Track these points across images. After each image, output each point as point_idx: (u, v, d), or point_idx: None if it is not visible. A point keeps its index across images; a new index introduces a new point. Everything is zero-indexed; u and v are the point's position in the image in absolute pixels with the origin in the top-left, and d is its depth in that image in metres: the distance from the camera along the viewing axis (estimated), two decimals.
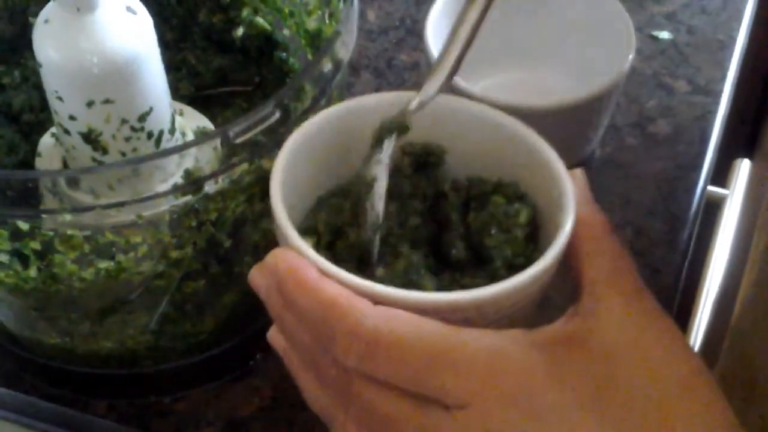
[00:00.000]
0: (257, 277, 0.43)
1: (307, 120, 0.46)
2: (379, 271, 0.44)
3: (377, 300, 0.40)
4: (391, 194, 0.45)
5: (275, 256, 0.42)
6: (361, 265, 0.44)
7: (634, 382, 0.40)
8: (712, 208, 0.88)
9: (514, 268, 0.43)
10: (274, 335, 0.46)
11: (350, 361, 0.40)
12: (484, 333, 0.40)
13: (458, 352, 0.39)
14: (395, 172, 0.46)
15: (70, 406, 0.61)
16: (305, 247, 0.42)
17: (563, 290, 0.44)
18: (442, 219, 0.45)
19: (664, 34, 0.81)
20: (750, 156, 1.00)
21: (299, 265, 0.41)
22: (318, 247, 0.44)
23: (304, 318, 0.41)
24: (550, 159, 0.45)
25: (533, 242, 0.45)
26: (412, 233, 0.45)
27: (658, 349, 0.41)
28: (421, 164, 0.47)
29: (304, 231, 0.45)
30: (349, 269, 0.42)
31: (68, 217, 0.48)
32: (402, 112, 0.46)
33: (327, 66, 0.51)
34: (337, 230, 0.45)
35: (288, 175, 0.44)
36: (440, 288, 0.43)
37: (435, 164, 0.48)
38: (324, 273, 0.41)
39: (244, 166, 0.49)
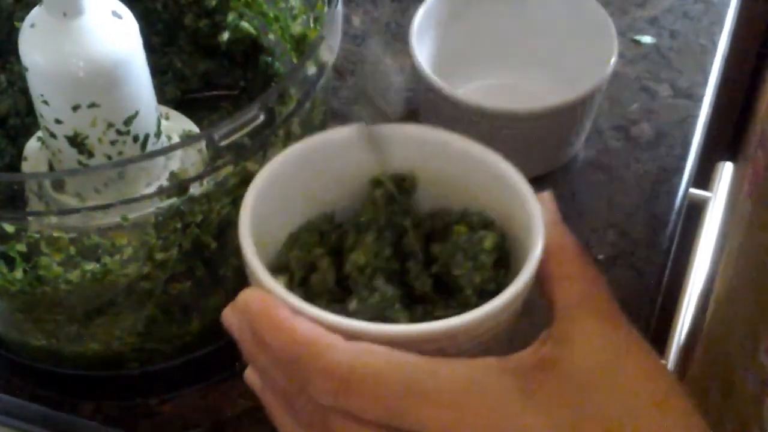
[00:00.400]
0: (229, 316, 0.43)
1: (273, 158, 0.46)
2: (353, 305, 0.43)
3: (350, 335, 0.40)
4: (367, 226, 0.45)
5: (246, 296, 0.42)
6: (336, 299, 0.44)
7: (609, 404, 0.40)
8: (695, 211, 0.89)
9: (485, 295, 0.43)
10: (250, 375, 0.45)
11: (325, 399, 0.40)
12: (457, 363, 0.40)
13: (432, 383, 0.39)
14: (369, 204, 0.46)
15: (57, 407, 0.61)
16: (276, 285, 0.42)
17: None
18: (407, 253, 0.46)
19: (647, 39, 0.82)
20: (733, 159, 1.01)
21: (270, 304, 0.41)
22: (291, 284, 0.45)
23: (278, 357, 0.41)
24: (518, 185, 0.45)
25: (505, 268, 0.45)
26: (387, 265, 0.45)
27: (632, 370, 0.41)
28: (393, 195, 0.47)
29: (277, 269, 0.45)
30: (323, 304, 0.42)
31: (54, 219, 0.49)
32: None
33: (311, 69, 0.51)
34: (309, 265, 0.45)
35: (257, 214, 0.44)
36: (414, 321, 0.43)
37: (408, 194, 0.48)
38: (296, 311, 0.40)
39: (229, 168, 0.50)
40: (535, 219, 0.43)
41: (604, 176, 0.73)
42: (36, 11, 0.53)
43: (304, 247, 0.46)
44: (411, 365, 0.39)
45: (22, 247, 0.50)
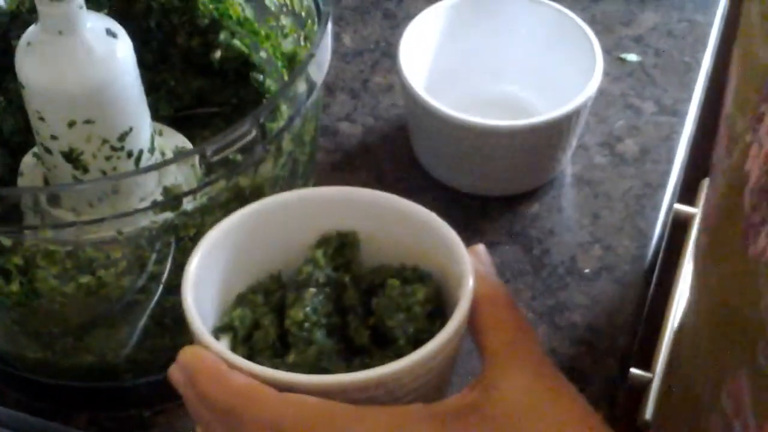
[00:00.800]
0: (175, 373, 0.45)
1: (220, 222, 0.48)
2: (291, 358, 0.45)
3: (284, 387, 0.42)
4: (306, 283, 0.47)
5: (186, 353, 0.44)
6: (279, 354, 0.46)
7: None
8: (681, 226, 0.90)
9: (421, 345, 0.44)
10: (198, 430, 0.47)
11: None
12: (383, 410, 0.42)
13: (358, 430, 0.41)
14: (309, 262, 0.48)
15: (52, 419, 0.62)
16: (213, 342, 0.44)
17: None
18: (348, 307, 0.48)
19: (632, 57, 0.83)
20: None
21: (208, 359, 0.43)
22: (235, 342, 0.47)
23: (215, 409, 0.43)
24: (451, 240, 0.47)
25: (441, 320, 0.46)
26: (327, 320, 0.47)
27: (557, 416, 0.42)
28: (335, 252, 0.49)
29: (221, 329, 0.47)
30: (265, 359, 0.45)
31: (50, 233, 0.50)
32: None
33: (302, 86, 0.52)
34: (254, 323, 0.47)
35: (204, 273, 0.46)
36: (351, 372, 0.44)
37: (350, 251, 0.50)
38: (232, 365, 0.43)
39: (222, 183, 0.51)
40: (466, 272, 0.45)
41: (590, 191, 0.74)
42: (32, 29, 0.54)
43: (248, 305, 0.48)
44: (339, 413, 0.41)
45: (18, 260, 0.51)
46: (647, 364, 0.83)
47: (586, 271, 0.70)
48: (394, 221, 0.49)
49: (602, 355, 0.66)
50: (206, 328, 0.45)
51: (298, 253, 0.49)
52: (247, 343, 0.47)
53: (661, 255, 0.74)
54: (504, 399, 0.42)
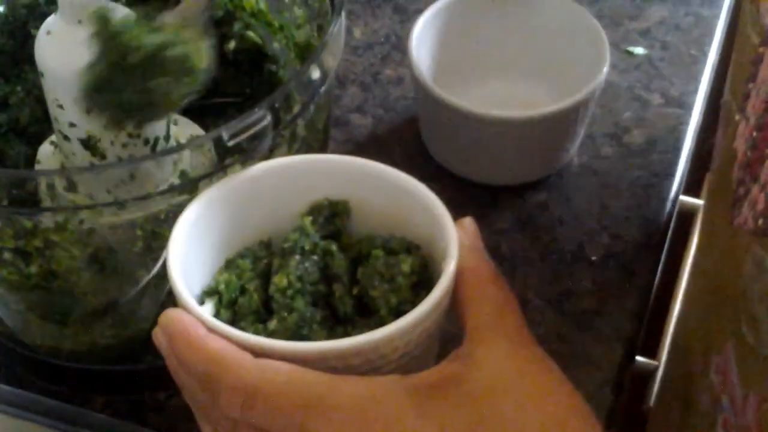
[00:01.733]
0: (158, 336, 0.45)
1: (209, 186, 0.49)
2: (272, 324, 0.45)
3: (260, 352, 0.42)
4: (291, 250, 0.47)
5: (166, 316, 0.44)
6: (262, 320, 0.46)
7: (507, 422, 0.41)
8: (688, 217, 0.91)
9: (402, 316, 0.44)
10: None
11: (233, 412, 0.42)
12: (358, 380, 0.41)
13: (331, 399, 0.41)
14: (297, 229, 0.48)
15: (68, 401, 0.63)
16: (193, 305, 0.44)
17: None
18: (334, 276, 0.48)
19: (639, 50, 0.84)
20: None
21: (187, 323, 0.43)
22: (219, 307, 0.47)
23: (193, 373, 0.43)
24: (438, 212, 0.47)
25: (427, 292, 0.46)
26: (312, 288, 0.47)
27: (534, 389, 0.42)
28: (325, 221, 0.49)
29: (208, 293, 0.48)
30: (248, 325, 0.45)
31: (68, 214, 0.51)
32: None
33: (315, 74, 0.53)
34: (240, 288, 0.48)
35: (192, 238, 0.47)
36: (332, 340, 0.44)
37: (340, 220, 0.50)
38: (211, 329, 0.43)
39: (237, 167, 0.52)
40: (451, 244, 0.45)
41: (598, 181, 0.75)
42: (52, 19, 0.56)
43: (235, 270, 0.48)
44: (313, 382, 0.41)
45: (38, 242, 0.52)
46: (653, 353, 0.84)
47: (594, 258, 0.71)
48: (385, 191, 0.49)
49: (609, 342, 0.67)
50: (189, 292, 0.45)
51: (288, 220, 0.49)
52: (231, 308, 0.47)
53: (667, 244, 0.75)
54: (482, 371, 0.42)
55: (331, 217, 0.50)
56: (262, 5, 0.67)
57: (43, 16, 0.57)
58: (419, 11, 0.77)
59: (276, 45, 0.68)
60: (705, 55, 0.84)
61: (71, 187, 0.57)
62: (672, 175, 0.76)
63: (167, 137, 0.60)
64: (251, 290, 0.47)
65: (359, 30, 0.87)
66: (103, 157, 0.58)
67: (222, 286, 0.47)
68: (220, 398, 0.42)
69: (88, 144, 0.57)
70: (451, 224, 0.47)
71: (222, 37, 0.68)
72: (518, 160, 0.74)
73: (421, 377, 0.42)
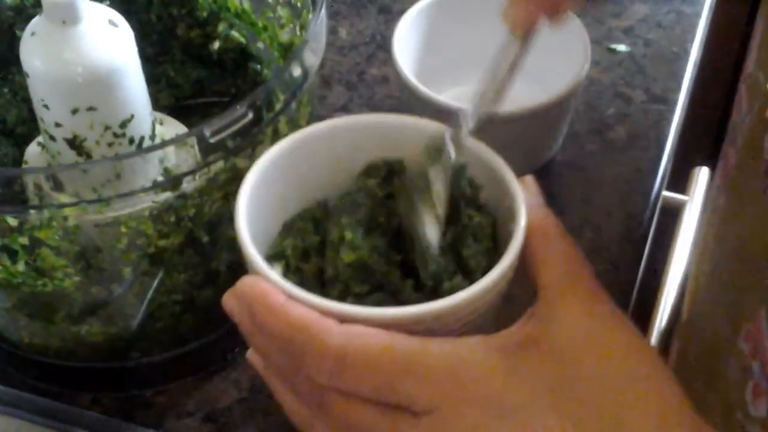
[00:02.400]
0: (230, 301, 0.45)
1: (268, 150, 0.49)
2: (336, 290, 0.45)
3: (343, 319, 0.42)
4: (356, 209, 0.47)
5: (243, 283, 0.44)
6: (325, 288, 0.46)
7: (590, 378, 0.42)
8: (672, 214, 0.91)
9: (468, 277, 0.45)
10: (252, 355, 0.48)
11: (321, 379, 0.42)
12: (445, 341, 0.42)
13: (421, 361, 0.41)
14: (361, 189, 0.48)
15: (56, 399, 0.64)
16: (271, 272, 0.44)
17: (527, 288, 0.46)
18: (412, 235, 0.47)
19: (622, 47, 0.85)
20: (712, 165, 1.04)
21: (266, 290, 0.43)
22: (287, 272, 0.47)
23: (275, 340, 0.43)
24: (502, 171, 0.47)
25: (495, 252, 0.47)
26: (386, 254, 0.46)
27: (613, 345, 0.42)
28: (382, 181, 0.49)
29: (273, 257, 0.47)
30: (317, 289, 0.45)
31: (54, 212, 0.51)
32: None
33: (296, 71, 0.54)
34: (303, 252, 0.48)
35: (253, 204, 0.47)
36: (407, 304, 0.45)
37: (397, 179, 0.49)
38: (291, 297, 0.43)
39: (220, 164, 0.53)
40: (519, 204, 0.45)
41: (581, 177, 0.76)
42: (37, 20, 0.56)
43: (298, 235, 0.48)
44: (401, 345, 0.41)
45: (24, 239, 0.53)
46: None
47: None
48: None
49: None
50: (261, 258, 0.45)
51: (344, 180, 0.49)
52: (298, 273, 0.47)
53: (650, 239, 0.75)
54: (561, 331, 0.42)
55: (388, 176, 0.49)
56: (246, 5, 0.68)
57: (30, 18, 0.57)
58: (404, 11, 0.77)
59: (260, 45, 0.68)
60: (687, 52, 0.85)
61: (58, 186, 0.58)
62: (655, 170, 0.77)
63: (152, 136, 0.61)
64: (315, 255, 0.47)
65: (345, 30, 0.88)
66: (88, 156, 0.58)
67: (289, 251, 0.47)
68: (306, 365, 0.42)
69: (74, 144, 0.58)
70: (516, 183, 0.47)
71: (206, 38, 0.69)
72: (502, 157, 0.74)
73: (503, 337, 0.43)
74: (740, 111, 0.58)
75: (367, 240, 0.46)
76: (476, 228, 0.47)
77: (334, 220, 0.47)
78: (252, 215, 0.46)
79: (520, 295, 0.46)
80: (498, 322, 0.45)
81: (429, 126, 0.49)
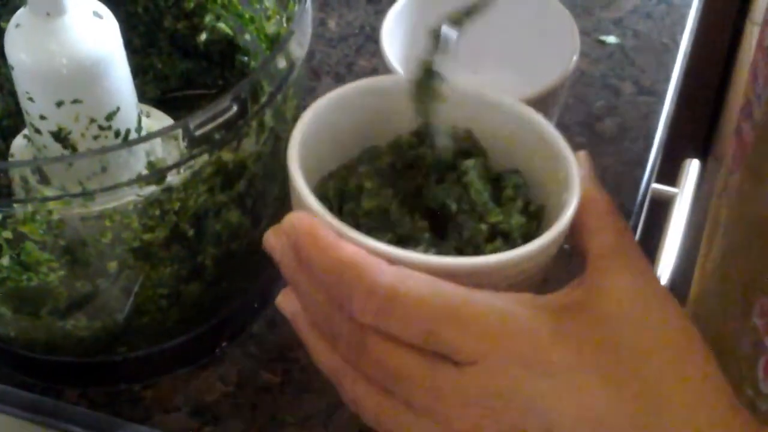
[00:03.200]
0: (272, 238, 0.45)
1: (320, 97, 0.49)
2: (389, 236, 0.46)
3: (393, 262, 0.42)
4: (387, 168, 0.48)
5: (292, 218, 0.44)
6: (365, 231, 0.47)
7: (635, 346, 0.42)
8: (663, 206, 0.91)
9: (511, 243, 0.45)
10: (282, 300, 0.47)
11: (366, 318, 0.42)
12: (495, 295, 0.42)
13: (470, 311, 0.41)
14: (391, 147, 0.49)
15: (44, 394, 0.63)
16: (322, 209, 0.44)
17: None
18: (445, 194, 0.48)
19: (611, 39, 0.85)
20: (703, 158, 1.04)
21: (316, 226, 0.43)
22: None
23: (320, 277, 0.43)
24: (559, 144, 0.48)
25: (538, 221, 0.48)
26: (411, 206, 0.47)
27: (659, 318, 0.43)
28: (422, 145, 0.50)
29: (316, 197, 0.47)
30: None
31: (38, 206, 0.51)
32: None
33: (282, 63, 0.54)
34: (343, 197, 0.48)
35: (303, 147, 0.47)
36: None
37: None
38: (340, 235, 0.43)
39: (204, 157, 0.52)
40: (573, 176, 0.47)
41: None
42: (21, 12, 0.56)
43: (340, 180, 0.48)
44: (451, 293, 0.41)
45: (8, 234, 0.52)
46: None
47: (566, 247, 0.71)
48: (500, 120, 0.50)
49: None
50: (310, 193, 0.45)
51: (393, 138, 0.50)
52: (338, 217, 0.47)
53: (639, 232, 0.75)
54: (608, 300, 0.43)
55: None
56: None
57: (15, 10, 0.57)
58: (393, 2, 0.77)
59: (247, 37, 0.68)
60: (677, 43, 0.85)
61: (43, 179, 0.58)
62: (644, 163, 0.77)
63: (139, 129, 0.60)
64: (359, 197, 0.47)
65: (334, 22, 0.87)
66: (74, 149, 0.58)
67: (331, 193, 0.48)
68: (352, 303, 0.42)
69: (59, 136, 0.57)
70: (572, 155, 0.48)
71: (193, 29, 0.69)
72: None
73: (550, 299, 0.43)
74: (757, 85, 0.57)
75: (387, 190, 0.47)
76: (517, 188, 0.48)
77: (354, 170, 0.48)
78: (303, 155, 0.46)
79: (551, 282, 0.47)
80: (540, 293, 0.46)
81: (493, 96, 0.50)
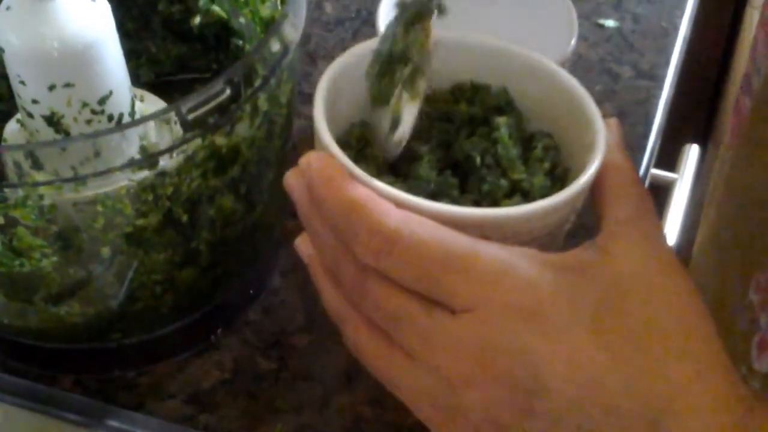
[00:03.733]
0: (290, 178, 0.45)
1: (349, 49, 0.49)
2: (404, 185, 0.46)
3: (401, 206, 0.42)
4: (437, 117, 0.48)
5: (308, 156, 0.44)
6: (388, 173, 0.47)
7: (638, 314, 0.42)
8: (662, 191, 0.91)
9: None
10: (300, 243, 0.48)
11: (369, 258, 0.42)
12: (499, 247, 0.42)
13: (472, 259, 0.41)
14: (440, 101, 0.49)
15: (38, 381, 0.63)
16: (336, 149, 0.44)
17: None
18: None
19: (610, 22, 0.84)
20: (703, 144, 1.03)
21: (330, 165, 0.44)
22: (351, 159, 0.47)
23: (330, 216, 0.43)
24: (588, 106, 0.48)
25: (561, 182, 0.48)
26: (443, 153, 0.48)
27: (667, 289, 0.43)
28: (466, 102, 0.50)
29: (339, 144, 0.47)
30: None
31: (29, 190, 0.51)
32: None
33: (276, 46, 0.53)
34: (364, 143, 0.48)
35: (329, 94, 0.47)
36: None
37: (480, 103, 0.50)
38: (353, 176, 0.43)
39: (197, 141, 0.52)
40: (599, 138, 0.46)
41: None
42: None
43: (361, 129, 0.49)
44: (455, 240, 0.42)
45: (0, 219, 0.52)
46: None
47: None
48: (531, 79, 0.50)
49: None
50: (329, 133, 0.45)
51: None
52: (362, 163, 0.47)
53: None
54: (617, 263, 0.43)
55: (472, 100, 0.50)
56: None
57: None
58: None
59: (242, 20, 0.67)
60: (676, 27, 0.84)
61: (36, 164, 0.57)
62: (643, 148, 0.76)
63: (132, 113, 0.60)
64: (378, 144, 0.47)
65: (330, 5, 0.87)
66: (67, 134, 0.57)
67: (353, 140, 0.48)
68: (356, 242, 0.42)
69: (52, 120, 0.57)
70: (600, 118, 0.47)
71: (187, 12, 0.68)
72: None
73: (558, 257, 0.43)
74: (756, 58, 0.57)
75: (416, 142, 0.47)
76: (547, 150, 0.48)
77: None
78: (329, 101, 0.47)
79: None
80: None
81: (525, 54, 0.50)
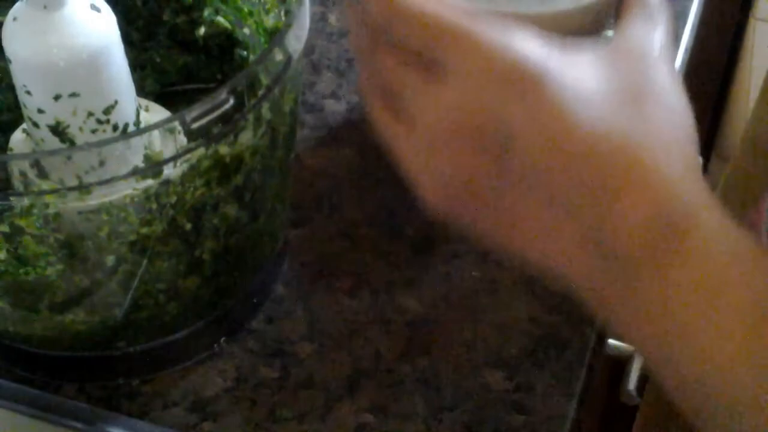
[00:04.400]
0: None
1: None
2: None
3: None
4: None
5: None
6: None
7: (633, 88, 0.42)
8: None
9: None
10: (352, 39, 0.49)
11: (377, 16, 0.44)
12: (503, 28, 0.42)
13: (471, 29, 0.42)
14: None
15: (42, 388, 0.63)
16: None
17: None
18: None
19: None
20: (707, 157, 1.03)
21: None
22: None
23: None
24: None
25: None
26: None
27: (670, 81, 0.44)
28: None
29: None
30: None
31: (34, 199, 0.51)
32: None
33: (279, 56, 0.54)
34: None
35: None
36: None
37: None
38: None
39: (201, 150, 0.52)
40: None
41: None
42: (18, 5, 0.56)
43: None
44: (462, 13, 0.42)
45: (5, 227, 0.52)
46: None
47: None
48: None
49: (579, 325, 0.67)
50: None
51: None
52: None
53: None
54: (627, 40, 0.44)
55: None
56: None
57: (12, 4, 0.57)
58: None
59: (246, 30, 0.68)
60: (678, 39, 0.84)
61: (42, 173, 0.58)
62: None
63: (137, 123, 0.60)
64: None
65: (334, 17, 0.87)
66: (72, 143, 0.58)
67: None
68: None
69: (57, 130, 0.57)
70: None
71: (192, 23, 0.69)
72: None
73: (560, 43, 0.43)
74: None
75: None
76: None
77: None
78: None
79: None
80: None
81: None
